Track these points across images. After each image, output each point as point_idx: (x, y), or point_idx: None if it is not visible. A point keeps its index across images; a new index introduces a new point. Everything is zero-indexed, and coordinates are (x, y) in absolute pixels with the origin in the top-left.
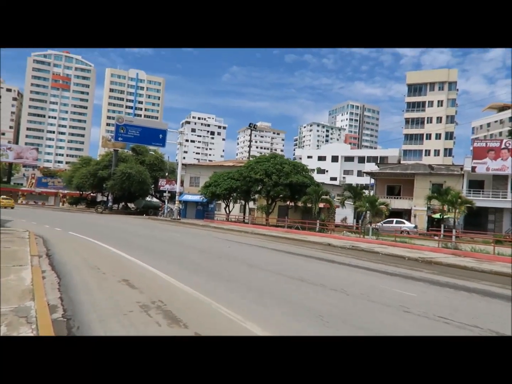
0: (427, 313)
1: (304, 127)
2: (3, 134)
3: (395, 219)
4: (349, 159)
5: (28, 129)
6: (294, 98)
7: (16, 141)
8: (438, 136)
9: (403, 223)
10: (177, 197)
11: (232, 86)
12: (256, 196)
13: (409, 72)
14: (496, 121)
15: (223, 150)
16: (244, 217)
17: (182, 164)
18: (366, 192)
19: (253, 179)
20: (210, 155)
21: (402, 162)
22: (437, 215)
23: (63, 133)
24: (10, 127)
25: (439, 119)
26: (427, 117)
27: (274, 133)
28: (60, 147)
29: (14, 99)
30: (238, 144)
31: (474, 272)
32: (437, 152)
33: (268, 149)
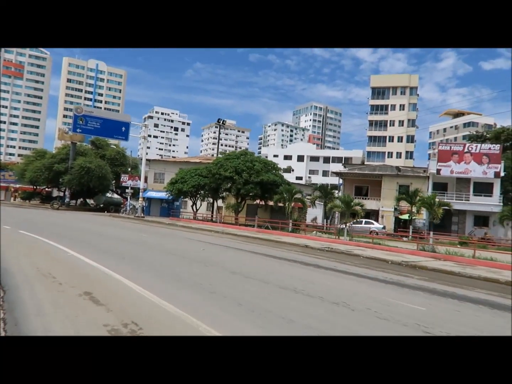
0: (450, 334)
1: (269, 126)
2: None
3: (364, 220)
4: (314, 159)
5: None
6: (258, 97)
7: None
8: (400, 139)
9: (372, 223)
10: (140, 193)
11: (196, 82)
12: (225, 194)
13: (373, 76)
14: (451, 127)
15: (187, 147)
16: (212, 216)
17: (146, 160)
18: (336, 192)
19: (223, 176)
20: (173, 151)
21: (366, 163)
22: (404, 216)
23: (15, 124)
24: None
25: (401, 123)
26: (390, 120)
27: (239, 131)
28: (12, 139)
29: None
30: (202, 141)
31: (462, 278)
32: (399, 155)
33: (233, 147)
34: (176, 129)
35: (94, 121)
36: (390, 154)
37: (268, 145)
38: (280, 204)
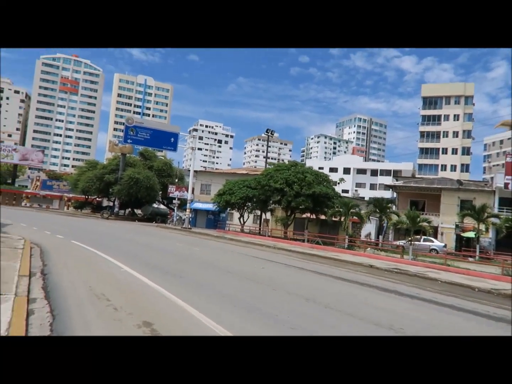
0: None
1: (312, 138)
2: (10, 135)
3: (423, 237)
4: (361, 171)
5: (35, 131)
6: (299, 110)
7: (23, 143)
8: (454, 151)
9: (432, 241)
10: (188, 204)
11: (238, 96)
12: (273, 206)
13: (424, 85)
14: (509, 138)
15: (230, 159)
16: (260, 229)
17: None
18: (393, 206)
19: (272, 188)
20: (217, 163)
21: (417, 176)
22: (469, 234)
23: (70, 137)
24: (17, 129)
25: (455, 134)
26: (443, 131)
27: (281, 143)
28: (67, 151)
29: (22, 101)
30: (245, 153)
31: None
32: (453, 167)
33: (275, 159)
34: (220, 141)
35: (144, 132)
36: (443, 167)
37: (310, 158)
38: (335, 219)
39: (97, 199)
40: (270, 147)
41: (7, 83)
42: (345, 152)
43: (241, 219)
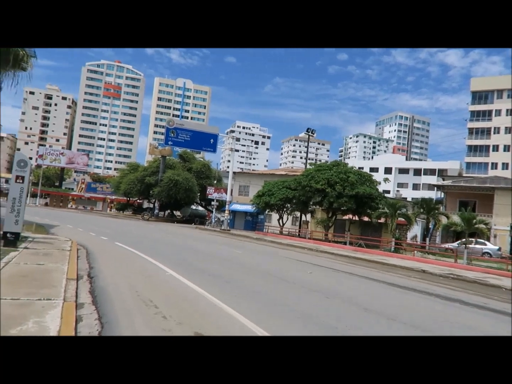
0: None
1: (350, 138)
2: (58, 140)
3: (474, 240)
4: (403, 171)
5: (80, 136)
6: (337, 109)
7: (69, 147)
8: (506, 148)
9: (485, 244)
10: (227, 206)
11: (274, 97)
12: (314, 208)
13: (473, 78)
14: None
15: (267, 160)
16: (299, 231)
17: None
18: (442, 207)
19: (314, 189)
20: (253, 164)
21: (464, 175)
22: None
23: (112, 140)
24: (64, 134)
25: (508, 130)
26: (494, 127)
27: (319, 143)
28: (110, 154)
29: (69, 107)
30: (282, 154)
31: None
32: (505, 166)
33: (313, 159)
34: (256, 142)
35: (185, 134)
36: (494, 165)
37: (349, 158)
38: (380, 221)
39: (138, 200)
40: (307, 147)
41: (55, 90)
42: (385, 151)
43: (280, 221)
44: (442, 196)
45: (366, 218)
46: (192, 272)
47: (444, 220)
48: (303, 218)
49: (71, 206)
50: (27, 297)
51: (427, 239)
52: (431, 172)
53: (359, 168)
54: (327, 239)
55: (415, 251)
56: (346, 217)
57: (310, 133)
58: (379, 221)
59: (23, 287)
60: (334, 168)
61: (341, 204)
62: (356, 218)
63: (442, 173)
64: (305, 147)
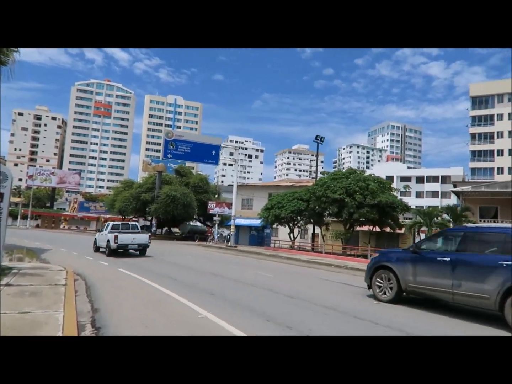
0: None
1: (343, 148)
2: (48, 160)
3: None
4: (405, 179)
5: (71, 155)
6: (326, 122)
7: (60, 167)
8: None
9: None
10: (232, 221)
11: (265, 112)
12: (329, 219)
13: (472, 84)
14: None
15: (261, 173)
16: (313, 245)
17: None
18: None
19: (330, 199)
20: (248, 178)
21: (469, 181)
22: None
23: (104, 159)
24: (54, 154)
25: (511, 134)
26: (497, 132)
27: (312, 155)
28: (102, 173)
29: (59, 127)
30: (276, 167)
31: None
32: None
33: (307, 171)
34: (250, 156)
35: (185, 146)
36: (500, 170)
37: (343, 168)
38: (399, 231)
39: (134, 218)
40: (300, 159)
41: (44, 110)
42: (379, 161)
43: (291, 235)
44: (457, 203)
45: (388, 229)
46: (238, 312)
47: None
48: (318, 230)
49: (64, 226)
50: None
51: None
52: (434, 179)
53: None
54: (344, 252)
55: None
56: (367, 228)
57: (319, 141)
58: (399, 231)
59: None
60: (352, 176)
61: (363, 214)
62: (377, 229)
63: (445, 180)
64: (299, 159)
